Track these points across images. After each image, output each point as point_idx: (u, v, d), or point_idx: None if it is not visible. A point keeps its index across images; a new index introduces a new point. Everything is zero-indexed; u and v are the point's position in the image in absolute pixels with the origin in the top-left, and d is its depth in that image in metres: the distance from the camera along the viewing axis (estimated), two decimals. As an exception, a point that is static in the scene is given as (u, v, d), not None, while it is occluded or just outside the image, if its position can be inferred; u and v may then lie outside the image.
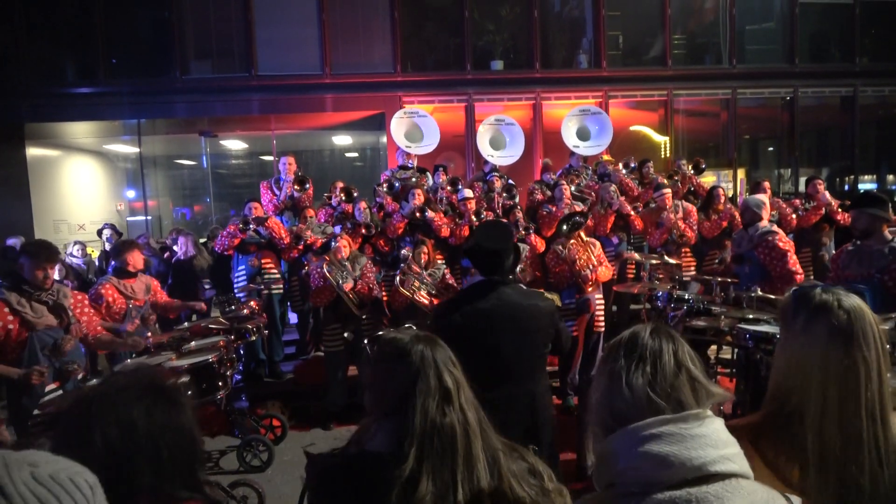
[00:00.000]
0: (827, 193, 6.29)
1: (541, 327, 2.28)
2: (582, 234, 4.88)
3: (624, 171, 6.89)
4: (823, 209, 6.19)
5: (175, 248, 6.50)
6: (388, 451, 1.16)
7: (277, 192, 6.19)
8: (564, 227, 4.83)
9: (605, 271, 4.90)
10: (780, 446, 1.22)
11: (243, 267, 5.60)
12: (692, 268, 5.99)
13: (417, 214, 5.63)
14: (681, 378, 1.03)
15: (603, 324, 5.07)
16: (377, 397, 1.27)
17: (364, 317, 5.05)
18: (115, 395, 1.07)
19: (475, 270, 2.39)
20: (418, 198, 5.74)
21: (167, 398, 1.12)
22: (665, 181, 6.50)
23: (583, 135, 7.63)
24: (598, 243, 5.05)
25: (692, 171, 6.94)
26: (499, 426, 1.53)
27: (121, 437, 1.02)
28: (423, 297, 5.04)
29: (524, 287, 2.51)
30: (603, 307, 5.13)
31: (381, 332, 4.19)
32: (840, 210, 6.19)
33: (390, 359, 1.26)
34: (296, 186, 6.02)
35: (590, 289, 4.82)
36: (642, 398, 1.01)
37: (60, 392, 2.97)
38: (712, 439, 0.96)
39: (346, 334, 4.96)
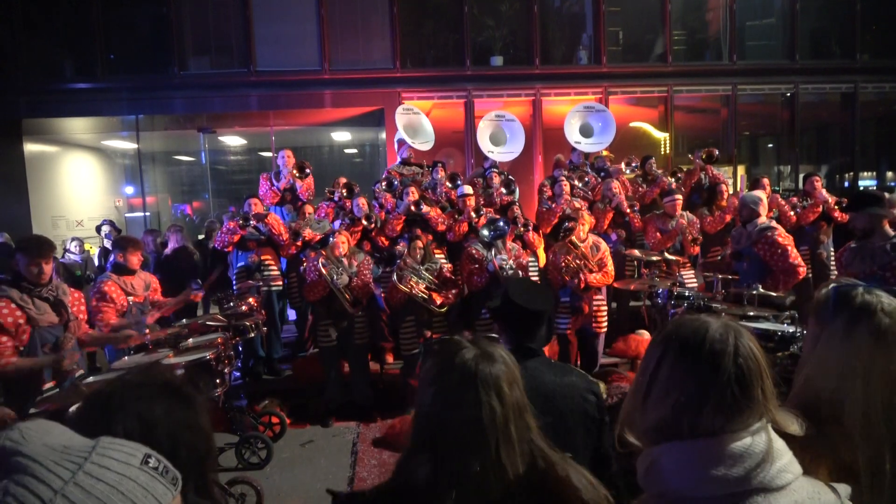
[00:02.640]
0: (824, 191, 6.27)
1: (582, 411, 1.76)
2: (574, 238, 4.84)
3: (627, 171, 6.83)
4: (821, 206, 6.17)
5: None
6: (427, 487, 1.04)
7: (276, 184, 6.18)
8: (559, 232, 4.84)
9: (602, 278, 4.88)
10: (820, 457, 1.12)
11: (242, 264, 5.59)
12: (686, 269, 5.95)
13: (413, 208, 5.62)
14: (749, 394, 0.95)
15: (605, 324, 5.05)
16: (414, 413, 1.12)
17: (359, 313, 5.04)
18: (136, 390, 1.07)
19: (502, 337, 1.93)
20: (412, 195, 5.72)
21: (185, 398, 1.12)
22: (671, 180, 6.45)
23: (585, 131, 7.59)
24: (602, 245, 5.01)
25: (705, 159, 6.64)
26: None
27: (141, 432, 1.00)
28: (422, 292, 5.02)
29: (553, 361, 1.98)
30: (605, 308, 5.11)
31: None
32: (837, 208, 6.17)
33: (433, 368, 1.10)
34: (295, 171, 6.01)
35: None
36: (689, 413, 0.95)
37: (57, 390, 2.95)
38: (753, 456, 0.92)
39: (331, 331, 4.95)
